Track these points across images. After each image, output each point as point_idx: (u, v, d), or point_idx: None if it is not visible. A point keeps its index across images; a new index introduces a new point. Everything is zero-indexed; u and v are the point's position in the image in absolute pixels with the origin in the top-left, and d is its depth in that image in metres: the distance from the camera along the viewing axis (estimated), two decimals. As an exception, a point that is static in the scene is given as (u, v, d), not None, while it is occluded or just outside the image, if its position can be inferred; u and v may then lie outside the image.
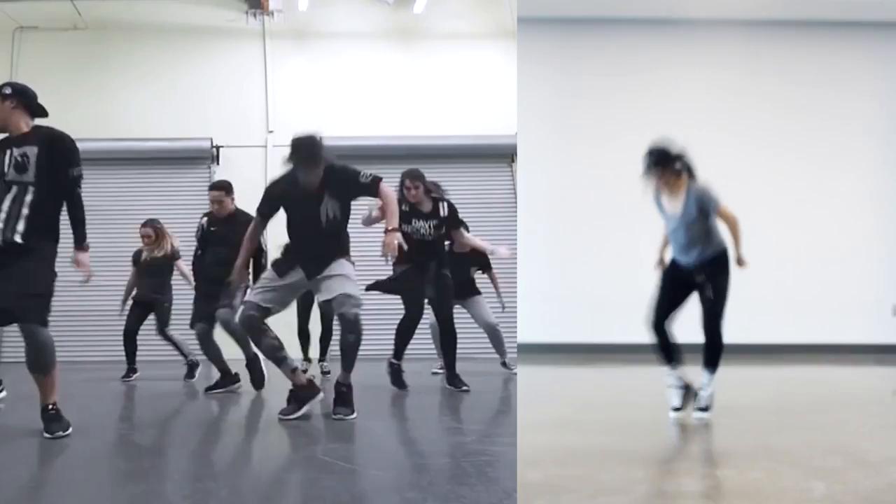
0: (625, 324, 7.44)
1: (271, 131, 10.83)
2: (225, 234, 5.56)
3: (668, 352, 4.20)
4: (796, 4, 7.60)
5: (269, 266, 4.43)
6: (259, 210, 4.40)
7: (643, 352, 6.72)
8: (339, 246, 4.28)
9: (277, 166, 11.73)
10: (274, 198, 4.33)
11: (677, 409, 4.14)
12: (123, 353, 6.96)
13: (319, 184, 4.15)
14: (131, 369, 6.90)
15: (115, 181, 10.56)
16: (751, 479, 3.00)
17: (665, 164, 4.13)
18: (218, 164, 10.69)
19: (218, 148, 10.64)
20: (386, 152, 10.49)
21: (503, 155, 11.23)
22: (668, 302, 4.20)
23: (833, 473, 2.97)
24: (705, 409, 4.09)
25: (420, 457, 3.38)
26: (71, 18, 10.71)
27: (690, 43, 7.75)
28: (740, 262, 4.20)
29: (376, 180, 4.17)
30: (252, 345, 4.97)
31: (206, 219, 5.82)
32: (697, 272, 4.16)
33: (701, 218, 4.12)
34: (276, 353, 4.15)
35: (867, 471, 3.02)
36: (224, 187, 5.83)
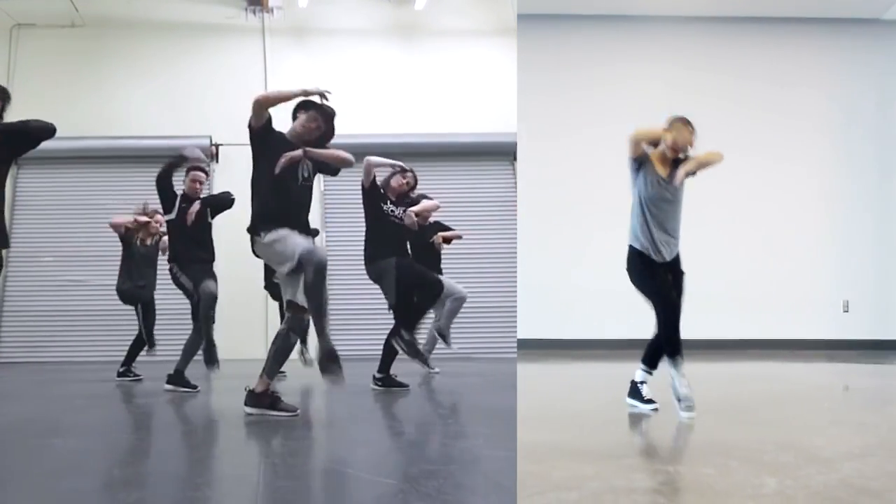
0: (589, 320, 7.47)
1: (272, 129, 10.80)
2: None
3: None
4: (748, 1, 7.61)
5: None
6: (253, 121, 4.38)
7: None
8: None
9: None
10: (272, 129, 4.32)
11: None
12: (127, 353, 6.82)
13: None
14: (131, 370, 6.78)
15: (113, 179, 10.48)
16: (703, 475, 3.01)
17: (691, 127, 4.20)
18: (217, 162, 10.58)
19: (217, 146, 10.56)
20: (387, 150, 10.41)
21: (504, 153, 11.20)
22: (675, 298, 4.17)
23: (785, 469, 2.97)
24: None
25: (421, 462, 3.33)
26: (69, 15, 10.65)
27: (643, 39, 7.80)
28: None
29: None
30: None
31: (178, 197, 5.89)
32: (667, 269, 4.18)
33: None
34: None
35: (819, 466, 3.02)
36: (206, 171, 6.19)
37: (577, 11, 7.77)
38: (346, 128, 10.34)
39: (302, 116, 4.34)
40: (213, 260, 5.92)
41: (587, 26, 7.88)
